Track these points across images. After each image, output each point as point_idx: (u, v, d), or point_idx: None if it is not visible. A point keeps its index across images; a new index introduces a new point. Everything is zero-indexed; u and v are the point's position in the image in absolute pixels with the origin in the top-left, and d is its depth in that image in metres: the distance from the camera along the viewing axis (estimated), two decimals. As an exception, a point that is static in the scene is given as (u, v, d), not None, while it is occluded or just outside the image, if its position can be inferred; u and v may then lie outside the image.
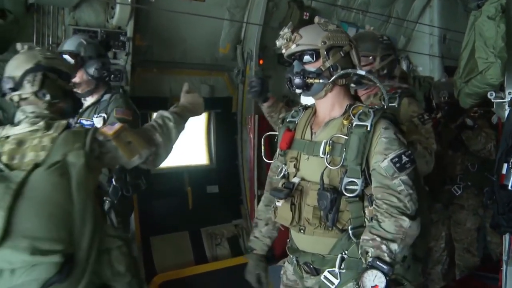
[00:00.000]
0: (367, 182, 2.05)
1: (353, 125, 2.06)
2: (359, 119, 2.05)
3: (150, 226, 4.55)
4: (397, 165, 1.98)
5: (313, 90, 2.13)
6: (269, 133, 2.48)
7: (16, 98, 2.09)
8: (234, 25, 5.05)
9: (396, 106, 2.89)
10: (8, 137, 1.99)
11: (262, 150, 2.47)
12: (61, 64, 2.19)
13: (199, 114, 2.50)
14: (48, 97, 2.08)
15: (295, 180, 2.18)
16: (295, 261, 2.30)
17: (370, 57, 2.96)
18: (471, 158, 4.25)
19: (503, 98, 2.97)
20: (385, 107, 2.31)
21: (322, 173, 2.05)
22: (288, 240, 2.35)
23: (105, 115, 3.27)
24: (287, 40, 2.11)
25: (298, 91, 2.14)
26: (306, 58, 2.11)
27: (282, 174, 2.28)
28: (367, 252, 1.96)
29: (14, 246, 1.71)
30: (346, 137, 2.05)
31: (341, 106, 2.17)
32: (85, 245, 1.83)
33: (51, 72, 2.10)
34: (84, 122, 3.28)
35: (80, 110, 3.17)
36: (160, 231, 4.66)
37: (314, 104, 2.28)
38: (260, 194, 4.94)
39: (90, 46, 3.35)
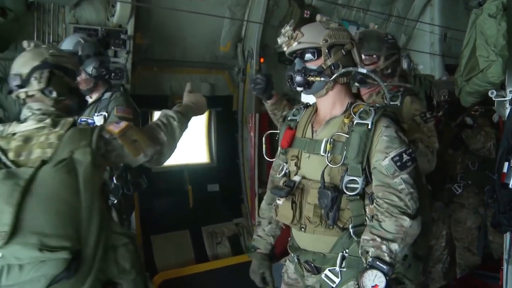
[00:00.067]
0: (367, 181, 2.04)
1: (354, 123, 2.05)
2: (360, 117, 2.05)
3: (151, 225, 4.56)
4: (398, 163, 1.98)
5: (314, 88, 2.13)
6: (270, 131, 2.48)
7: (22, 95, 2.10)
8: (235, 23, 5.05)
9: (399, 104, 2.89)
10: (14, 134, 2.00)
11: (264, 149, 2.47)
12: (67, 61, 2.19)
13: (202, 113, 2.51)
14: (54, 94, 2.09)
15: (296, 178, 2.18)
16: (296, 260, 2.30)
17: (374, 56, 2.95)
18: (472, 156, 4.25)
19: (504, 97, 2.97)
20: (387, 105, 2.30)
21: (323, 172, 2.05)
22: (289, 239, 2.35)
23: (106, 114, 3.27)
24: (288, 38, 2.10)
25: (299, 89, 2.13)
26: (308, 56, 2.10)
27: (283, 172, 2.28)
28: (367, 252, 1.96)
29: (23, 243, 1.73)
30: (347, 136, 2.05)
31: (342, 104, 2.16)
32: (92, 242, 1.85)
33: (57, 70, 2.11)
34: (84, 120, 3.28)
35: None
36: (161, 230, 4.67)
37: (315, 102, 2.27)
38: (260, 193, 4.96)
39: (88, 44, 3.34)
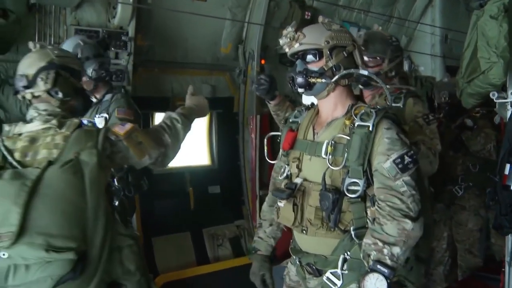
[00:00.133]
0: (369, 183, 2.04)
1: (355, 125, 2.04)
2: (361, 119, 2.04)
3: (152, 227, 4.55)
4: (400, 165, 1.97)
5: (315, 89, 2.12)
6: (272, 133, 2.48)
7: (29, 96, 2.11)
8: (236, 25, 5.05)
9: (401, 106, 2.88)
10: (20, 134, 2.01)
11: (265, 151, 2.47)
12: (72, 62, 2.21)
13: (204, 115, 2.53)
14: (60, 95, 2.10)
15: (298, 180, 2.17)
16: (297, 262, 2.29)
17: (378, 58, 2.95)
18: (472, 158, 4.24)
19: (506, 98, 2.96)
20: (389, 107, 2.30)
21: (324, 174, 2.04)
22: (291, 241, 2.35)
23: (107, 115, 3.27)
24: (290, 39, 2.10)
25: (300, 90, 2.13)
26: (309, 57, 2.10)
27: (284, 174, 2.27)
28: (369, 255, 1.95)
29: (30, 243, 1.74)
30: (348, 138, 2.04)
31: (343, 106, 2.16)
32: (98, 243, 1.86)
33: (63, 70, 2.12)
34: (85, 122, 3.27)
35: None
36: (162, 232, 4.66)
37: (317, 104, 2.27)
38: (262, 195, 4.96)
39: (87, 47, 3.34)
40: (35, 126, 2.02)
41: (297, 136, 2.25)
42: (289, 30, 2.11)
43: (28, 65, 2.09)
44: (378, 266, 1.90)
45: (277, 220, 2.30)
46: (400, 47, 3.10)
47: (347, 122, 2.08)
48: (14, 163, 1.92)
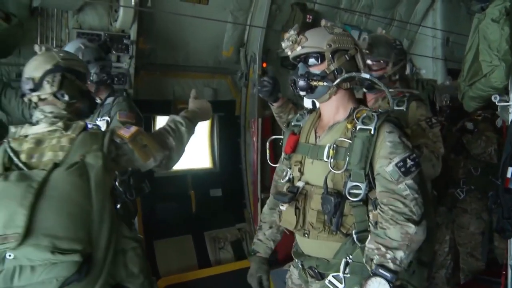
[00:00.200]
0: (371, 186, 2.03)
1: (357, 129, 2.04)
2: (363, 123, 2.04)
3: (154, 230, 4.55)
4: (402, 169, 1.96)
5: (317, 92, 2.12)
6: (274, 136, 2.48)
7: (35, 99, 2.12)
8: (237, 28, 5.06)
9: (405, 109, 2.88)
10: (26, 136, 2.03)
11: (267, 154, 2.47)
12: (78, 65, 2.23)
13: (208, 119, 2.55)
14: (66, 97, 2.12)
15: (300, 184, 2.17)
16: (300, 265, 2.29)
17: (382, 62, 2.95)
18: (474, 162, 4.24)
19: (508, 101, 2.96)
20: (391, 110, 2.30)
21: (326, 177, 2.04)
22: (293, 244, 2.34)
23: (108, 118, 3.27)
24: (292, 42, 2.11)
25: (302, 93, 2.13)
26: (311, 60, 2.10)
27: (286, 178, 2.27)
28: (371, 260, 1.95)
29: (36, 245, 1.75)
30: (350, 141, 2.04)
31: (345, 109, 2.16)
32: (103, 245, 1.87)
33: (69, 73, 2.14)
34: (90, 126, 3.27)
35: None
36: (164, 235, 4.66)
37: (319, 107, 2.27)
38: (263, 198, 4.95)
39: (88, 50, 3.35)
40: (41, 128, 2.03)
41: (299, 140, 2.25)
42: (291, 33, 2.11)
43: (34, 68, 2.11)
44: (381, 270, 1.90)
45: (279, 224, 2.30)
46: (403, 51, 3.10)
47: (349, 126, 2.08)
48: (20, 164, 1.94)
